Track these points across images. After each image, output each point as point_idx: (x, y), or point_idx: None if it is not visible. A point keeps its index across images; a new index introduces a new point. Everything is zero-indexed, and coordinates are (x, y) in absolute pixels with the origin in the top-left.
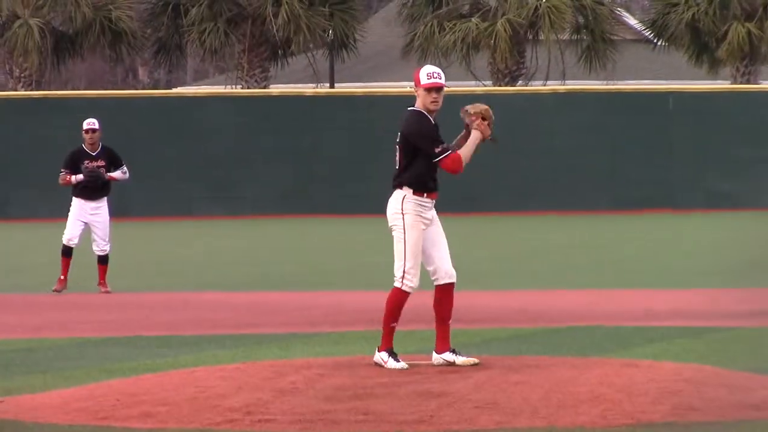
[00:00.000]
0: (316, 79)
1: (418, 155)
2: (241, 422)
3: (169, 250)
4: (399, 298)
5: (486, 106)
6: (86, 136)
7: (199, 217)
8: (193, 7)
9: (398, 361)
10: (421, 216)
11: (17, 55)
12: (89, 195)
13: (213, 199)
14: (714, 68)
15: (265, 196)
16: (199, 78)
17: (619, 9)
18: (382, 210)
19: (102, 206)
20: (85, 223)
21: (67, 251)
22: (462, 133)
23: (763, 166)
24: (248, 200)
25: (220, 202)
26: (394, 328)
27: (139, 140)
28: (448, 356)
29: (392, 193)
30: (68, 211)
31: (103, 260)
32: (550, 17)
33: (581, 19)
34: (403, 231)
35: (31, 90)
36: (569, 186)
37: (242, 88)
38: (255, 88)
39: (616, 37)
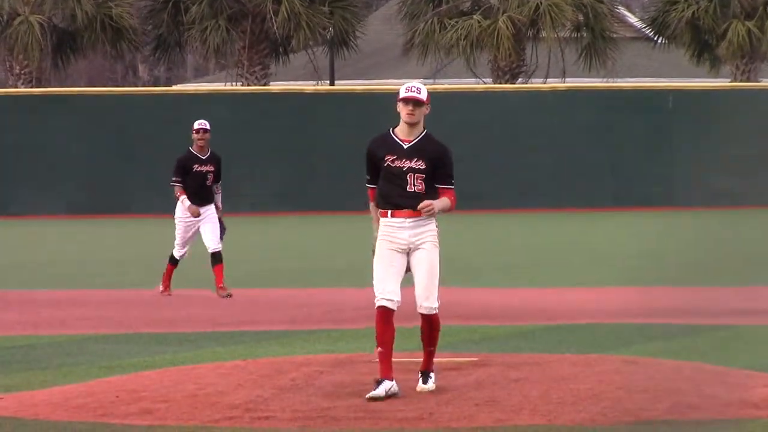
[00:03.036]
0: (316, 77)
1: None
2: (240, 419)
3: (168, 247)
4: (376, 315)
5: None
6: (196, 137)
7: None
8: (193, 4)
9: (376, 389)
10: (389, 236)
11: (17, 52)
12: (197, 202)
13: None
14: (715, 66)
15: (265, 194)
16: (199, 75)
17: (618, 7)
18: None
19: (209, 210)
20: (195, 231)
21: (174, 260)
22: None
23: (763, 164)
24: (248, 197)
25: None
26: (382, 353)
27: (138, 137)
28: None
29: None
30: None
31: (216, 259)
32: (551, 15)
33: (581, 17)
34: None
35: (32, 87)
36: (569, 183)
37: (242, 86)
38: (255, 85)
39: (616, 35)
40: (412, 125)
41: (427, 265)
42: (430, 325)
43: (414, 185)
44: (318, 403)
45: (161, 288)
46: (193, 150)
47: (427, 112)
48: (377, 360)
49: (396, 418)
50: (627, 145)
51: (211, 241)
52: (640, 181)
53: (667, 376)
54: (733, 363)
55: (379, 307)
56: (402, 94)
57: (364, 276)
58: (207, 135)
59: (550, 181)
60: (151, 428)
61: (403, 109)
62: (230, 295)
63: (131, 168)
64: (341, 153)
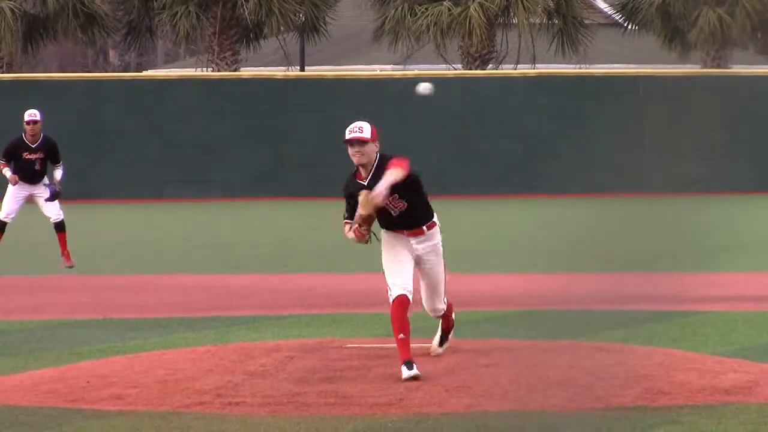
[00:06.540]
0: (286, 62)
1: None
2: (211, 405)
3: (139, 233)
4: (391, 309)
5: (367, 210)
6: (27, 128)
7: (170, 200)
8: None
9: (410, 369)
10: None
11: None
12: (28, 180)
13: (184, 183)
14: (685, 52)
15: (235, 179)
16: (169, 61)
17: None
18: None
19: (41, 187)
20: (25, 199)
21: (1, 226)
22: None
23: (734, 150)
24: (219, 183)
25: (191, 185)
26: (403, 340)
27: (109, 123)
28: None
29: None
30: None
31: (60, 227)
32: (523, 2)
33: (551, 3)
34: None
35: (3, 73)
36: (539, 170)
37: (213, 71)
38: (225, 71)
39: (588, 21)
40: (363, 165)
41: (435, 276)
42: (444, 318)
43: (396, 209)
44: (288, 388)
45: None
46: (25, 138)
47: (377, 148)
48: (396, 346)
49: (367, 403)
50: (597, 131)
51: (51, 212)
52: (610, 168)
53: (637, 363)
54: (704, 349)
55: (397, 296)
56: (346, 136)
57: (334, 262)
58: (37, 126)
59: (519, 168)
60: (121, 413)
61: (349, 150)
62: (73, 266)
63: (101, 154)
64: (311, 138)
